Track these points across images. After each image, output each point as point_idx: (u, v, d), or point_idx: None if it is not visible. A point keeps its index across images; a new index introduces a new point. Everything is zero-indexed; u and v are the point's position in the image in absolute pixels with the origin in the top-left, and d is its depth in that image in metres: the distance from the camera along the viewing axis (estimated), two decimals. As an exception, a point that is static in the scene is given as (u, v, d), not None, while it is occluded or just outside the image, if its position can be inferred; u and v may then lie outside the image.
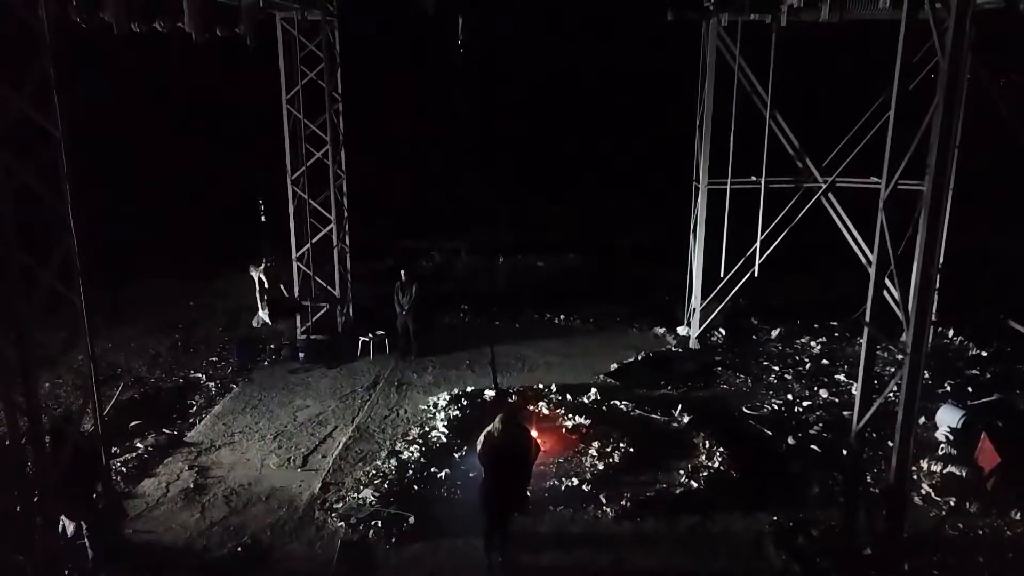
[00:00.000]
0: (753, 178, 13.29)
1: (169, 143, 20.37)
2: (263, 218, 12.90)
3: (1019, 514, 8.36)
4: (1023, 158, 4.44)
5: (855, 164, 12.41)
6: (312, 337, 13.56)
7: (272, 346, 13.87)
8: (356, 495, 8.75)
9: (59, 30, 6.65)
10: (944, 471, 9.26)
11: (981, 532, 8.16)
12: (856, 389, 7.20)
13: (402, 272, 13.34)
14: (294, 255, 13.73)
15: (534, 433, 9.82)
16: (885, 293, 6.52)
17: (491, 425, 7.46)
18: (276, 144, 13.44)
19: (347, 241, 14.31)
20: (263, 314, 13.31)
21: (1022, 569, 7.56)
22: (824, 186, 12.54)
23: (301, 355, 13.12)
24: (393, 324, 13.42)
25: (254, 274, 13.09)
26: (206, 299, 16.76)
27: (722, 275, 13.43)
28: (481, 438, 7.48)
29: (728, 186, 13.22)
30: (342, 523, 8.23)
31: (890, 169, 5.53)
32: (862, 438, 6.15)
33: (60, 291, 6.21)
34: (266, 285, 13.08)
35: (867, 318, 5.87)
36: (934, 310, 13.47)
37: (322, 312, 13.91)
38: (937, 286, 12.71)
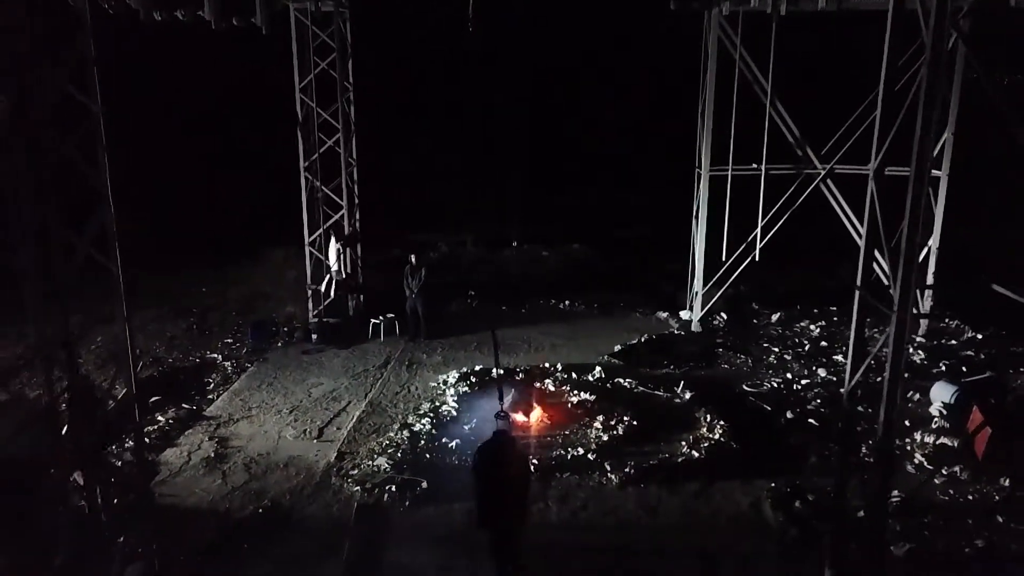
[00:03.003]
0: (754, 165, 13.63)
1: (179, 133, 20.78)
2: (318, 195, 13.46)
3: (1007, 480, 8.70)
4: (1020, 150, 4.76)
5: (854, 151, 12.75)
6: (324, 320, 13.94)
7: (285, 329, 14.26)
8: (371, 463, 9.12)
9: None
10: (937, 442, 9.61)
11: (971, 497, 8.50)
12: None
13: (411, 256, 13.72)
14: (306, 240, 14.11)
15: (540, 419, 10.29)
16: (874, 267, 6.86)
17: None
18: (289, 132, 13.84)
19: (358, 227, 14.66)
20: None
21: (1009, 531, 7.88)
22: (823, 172, 12.88)
23: (314, 337, 13.51)
24: (402, 308, 13.80)
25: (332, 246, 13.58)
26: (219, 287, 17.14)
27: (723, 260, 13.78)
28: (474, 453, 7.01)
29: (729, 173, 13.56)
30: (358, 488, 8.60)
31: (880, 139, 5.88)
32: (854, 397, 6.49)
33: (95, 259, 6.57)
34: (333, 264, 13.47)
35: (858, 283, 6.21)
36: (930, 298, 13.85)
37: (334, 296, 14.28)
38: (934, 268, 13.10)
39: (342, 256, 13.73)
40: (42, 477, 6.71)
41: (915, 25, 5.54)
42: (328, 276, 13.79)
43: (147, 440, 9.81)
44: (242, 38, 12.13)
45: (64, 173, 6.30)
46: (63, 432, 6.88)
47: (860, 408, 9.06)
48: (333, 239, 13.68)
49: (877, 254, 6.28)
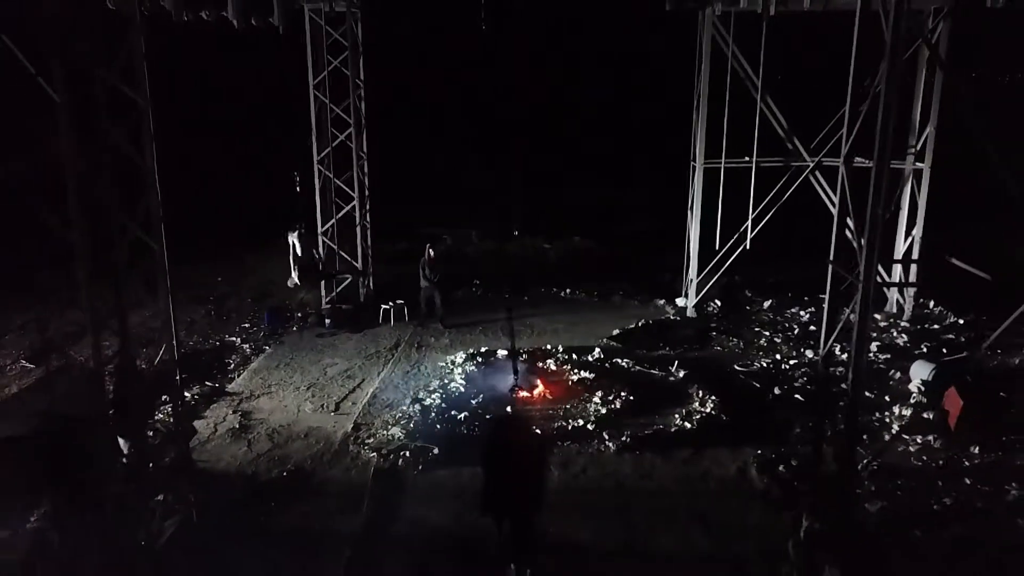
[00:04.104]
0: (746, 158, 14.29)
1: (191, 128, 21.42)
2: (298, 189, 13.93)
3: (976, 449, 9.38)
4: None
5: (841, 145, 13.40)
6: (337, 306, 14.64)
7: (300, 314, 14.97)
8: (385, 433, 9.82)
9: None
10: (914, 415, 10.29)
11: (942, 463, 9.17)
12: (841, 349, 8.09)
13: (428, 248, 14.28)
14: (319, 230, 14.80)
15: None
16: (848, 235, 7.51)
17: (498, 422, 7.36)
18: (304, 127, 14.54)
19: (368, 218, 15.34)
20: (295, 276, 14.28)
21: (976, 492, 8.56)
22: (811, 165, 13.54)
23: (327, 321, 14.21)
24: (409, 295, 14.46)
25: (290, 239, 14.10)
26: (234, 275, 17.86)
27: (717, 248, 14.46)
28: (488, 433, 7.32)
29: (722, 165, 14.22)
30: (374, 454, 9.30)
31: (848, 130, 6.56)
32: (828, 361, 7.18)
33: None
34: (299, 251, 14.05)
35: (831, 257, 6.89)
36: (914, 278, 14.50)
37: (346, 283, 14.99)
38: (917, 254, 13.78)
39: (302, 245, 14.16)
40: (92, 435, 7.39)
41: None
42: (296, 266, 14.24)
43: (170, 417, 10.52)
44: (259, 37, 12.81)
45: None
46: (109, 396, 7.58)
47: (844, 387, 9.76)
48: (293, 232, 14.12)
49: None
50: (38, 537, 7.53)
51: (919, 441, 9.68)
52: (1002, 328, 6.66)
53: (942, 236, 14.25)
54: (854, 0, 11.43)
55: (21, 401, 9.91)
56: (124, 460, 7.78)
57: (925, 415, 10.27)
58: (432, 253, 14.19)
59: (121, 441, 8.16)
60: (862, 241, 5.95)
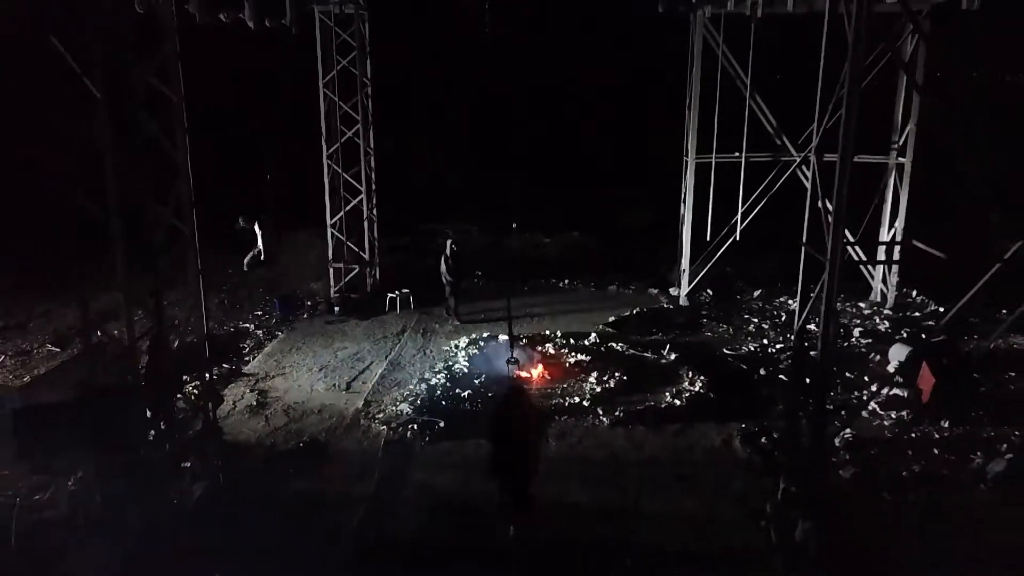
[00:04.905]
0: (736, 154, 14.95)
1: (204, 125, 22.01)
2: (268, 179, 14.43)
3: (946, 423, 10.05)
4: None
5: (828, 140, 14.03)
6: (345, 294, 15.31)
7: (309, 303, 15.64)
8: (394, 408, 10.50)
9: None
10: (890, 393, 10.95)
11: (914, 435, 9.84)
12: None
13: (450, 243, 14.61)
14: (328, 222, 15.47)
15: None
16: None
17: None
18: (312, 123, 15.19)
19: (375, 211, 16.01)
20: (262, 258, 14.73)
21: (943, 461, 9.22)
22: (798, 160, 14.20)
23: (336, 309, 14.89)
24: (414, 284, 15.14)
25: (249, 225, 14.54)
26: (242, 269, 18.46)
27: (708, 240, 15.12)
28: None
29: (713, 160, 14.88)
30: (384, 427, 9.97)
31: (818, 125, 7.22)
32: (803, 336, 7.84)
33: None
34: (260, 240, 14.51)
35: (804, 239, 7.56)
36: (897, 272, 15.16)
37: (354, 273, 15.65)
38: (899, 240, 14.42)
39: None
40: (127, 405, 8.06)
41: (879, 27, 6.83)
42: (252, 252, 14.71)
43: (196, 392, 11.18)
44: (274, 38, 13.46)
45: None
46: (142, 369, 8.24)
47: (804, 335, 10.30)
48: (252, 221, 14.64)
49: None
50: (76, 498, 8.22)
51: (893, 416, 10.35)
52: (959, 306, 7.32)
53: (939, 230, 14.91)
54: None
55: (62, 373, 10.61)
56: (155, 429, 8.45)
57: (900, 393, 10.92)
58: (454, 248, 14.69)
59: (151, 412, 8.84)
60: (829, 218, 6.61)
